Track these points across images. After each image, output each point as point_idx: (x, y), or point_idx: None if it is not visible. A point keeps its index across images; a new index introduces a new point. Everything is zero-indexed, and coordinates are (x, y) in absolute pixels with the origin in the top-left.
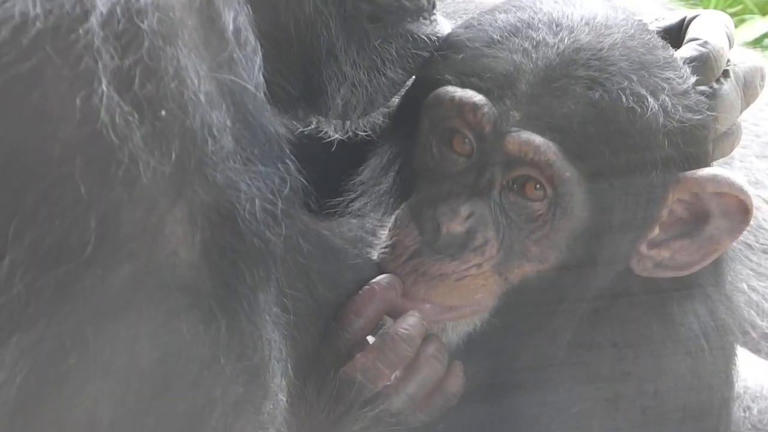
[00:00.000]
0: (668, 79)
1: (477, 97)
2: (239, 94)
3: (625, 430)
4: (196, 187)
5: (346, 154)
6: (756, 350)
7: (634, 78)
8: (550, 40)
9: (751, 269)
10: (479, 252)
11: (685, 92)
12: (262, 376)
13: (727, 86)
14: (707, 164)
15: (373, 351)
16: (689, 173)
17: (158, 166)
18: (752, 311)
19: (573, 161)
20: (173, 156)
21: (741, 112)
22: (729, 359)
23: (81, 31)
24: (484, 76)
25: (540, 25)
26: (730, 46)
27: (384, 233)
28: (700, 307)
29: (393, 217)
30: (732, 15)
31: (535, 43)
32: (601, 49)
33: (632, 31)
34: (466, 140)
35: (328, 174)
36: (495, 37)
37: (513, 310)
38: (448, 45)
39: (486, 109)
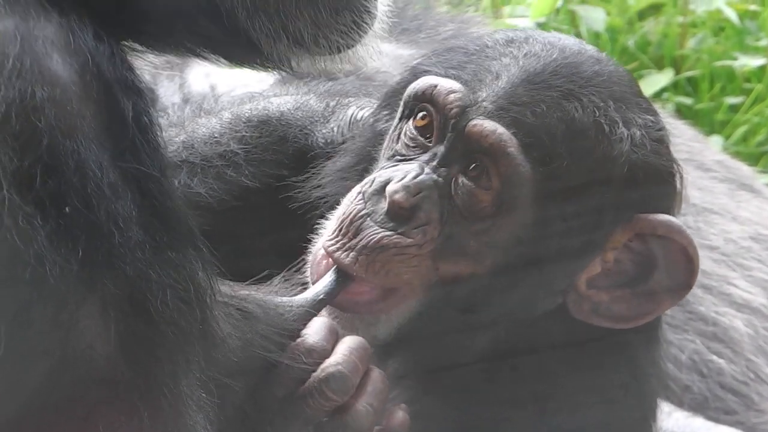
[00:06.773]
0: (645, 119)
1: (453, 84)
2: (144, 181)
3: None
4: (106, 281)
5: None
6: (679, 403)
7: (611, 105)
8: (541, 53)
9: (666, 323)
10: (421, 231)
11: (660, 139)
12: None
13: None
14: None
15: (344, 349)
16: (642, 214)
17: (65, 264)
18: (671, 365)
19: (530, 160)
20: (80, 252)
21: None
22: (649, 407)
23: None
24: (467, 68)
25: (535, 43)
26: None
27: (332, 224)
28: (619, 357)
29: (344, 198)
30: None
31: (525, 52)
32: (585, 71)
33: (619, 77)
34: (432, 122)
35: (243, 248)
36: (488, 44)
37: (439, 316)
38: (439, 49)
39: (458, 95)
